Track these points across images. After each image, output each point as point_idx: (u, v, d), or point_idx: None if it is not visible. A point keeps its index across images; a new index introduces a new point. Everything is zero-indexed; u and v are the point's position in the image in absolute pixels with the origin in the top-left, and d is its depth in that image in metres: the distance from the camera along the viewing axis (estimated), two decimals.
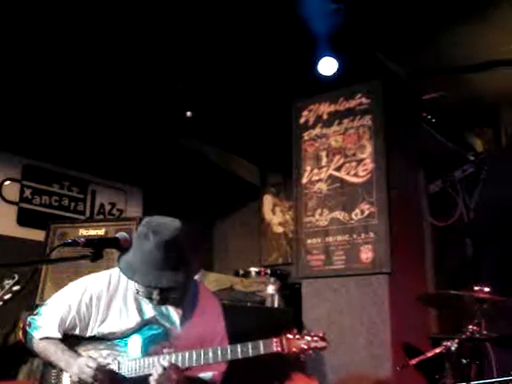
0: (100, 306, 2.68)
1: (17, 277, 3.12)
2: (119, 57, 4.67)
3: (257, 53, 4.67)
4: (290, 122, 5.33)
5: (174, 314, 2.72)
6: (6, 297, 3.13)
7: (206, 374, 2.69)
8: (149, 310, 2.70)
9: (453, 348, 3.23)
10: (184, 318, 2.72)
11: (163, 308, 2.71)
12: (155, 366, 2.48)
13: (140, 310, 2.69)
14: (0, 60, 4.54)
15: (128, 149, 5.95)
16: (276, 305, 4.85)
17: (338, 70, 4.72)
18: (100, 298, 2.69)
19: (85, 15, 4.15)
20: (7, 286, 3.14)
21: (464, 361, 3.31)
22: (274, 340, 2.44)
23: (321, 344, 2.45)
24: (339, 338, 4.53)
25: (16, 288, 3.13)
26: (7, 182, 5.54)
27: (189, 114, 5.62)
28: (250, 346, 2.44)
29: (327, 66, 4.72)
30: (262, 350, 2.45)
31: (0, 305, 3.08)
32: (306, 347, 2.43)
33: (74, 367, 2.57)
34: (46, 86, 4.96)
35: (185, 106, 5.58)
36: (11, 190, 5.58)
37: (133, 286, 2.71)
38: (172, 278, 2.52)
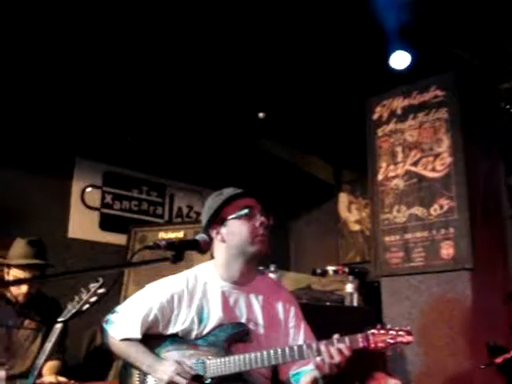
0: (182, 306, 2.71)
1: (101, 280, 3.25)
2: (193, 60, 4.75)
3: (328, 50, 4.65)
4: (364, 119, 5.27)
5: (256, 307, 2.74)
6: (92, 299, 3.26)
7: (307, 367, 2.64)
8: (231, 307, 2.71)
9: None
10: (265, 313, 2.73)
11: (244, 301, 2.73)
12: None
13: (222, 308, 2.69)
14: (84, 73, 4.74)
15: (203, 152, 6.05)
16: (355, 303, 4.80)
17: (410, 63, 4.64)
18: (181, 298, 2.72)
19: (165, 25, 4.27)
20: (93, 289, 3.27)
21: None
22: (360, 335, 2.39)
23: (407, 338, 2.37)
24: (420, 337, 4.44)
25: (101, 291, 3.26)
26: (89, 189, 5.73)
27: (261, 115, 5.65)
28: (335, 342, 2.42)
29: (399, 59, 4.64)
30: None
31: (87, 307, 3.22)
32: (392, 342, 2.36)
33: (159, 372, 2.58)
34: (123, 97, 5.12)
35: (258, 106, 5.62)
36: (93, 196, 5.77)
37: (214, 282, 2.75)
38: None
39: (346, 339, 2.40)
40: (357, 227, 6.50)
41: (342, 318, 4.39)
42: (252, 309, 2.73)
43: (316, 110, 5.55)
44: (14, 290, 3.76)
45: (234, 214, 2.68)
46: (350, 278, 4.94)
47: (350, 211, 6.60)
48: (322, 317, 3.96)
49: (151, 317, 2.69)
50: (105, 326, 2.77)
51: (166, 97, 5.22)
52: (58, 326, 3.40)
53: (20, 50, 4.40)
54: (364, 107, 5.28)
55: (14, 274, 3.78)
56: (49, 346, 3.35)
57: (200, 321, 2.69)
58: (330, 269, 5.43)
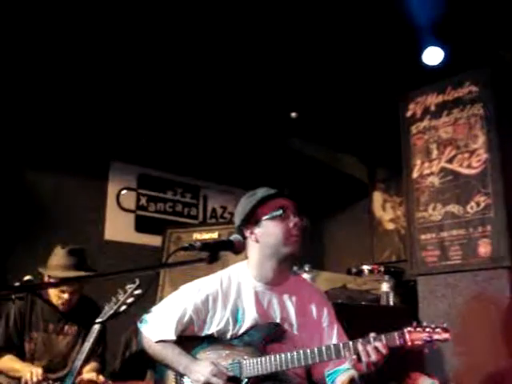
0: (216, 306, 2.72)
1: (138, 281, 3.29)
2: (225, 61, 4.77)
3: (360, 47, 4.62)
4: (397, 116, 5.22)
5: (289, 308, 2.74)
6: (129, 300, 3.31)
7: (342, 366, 2.64)
8: (265, 308, 2.72)
9: None
10: (298, 313, 2.73)
11: (277, 301, 2.73)
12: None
13: (256, 308, 2.70)
14: (115, 78, 4.80)
15: (236, 152, 6.07)
16: (391, 303, 4.76)
17: (443, 59, 4.59)
18: (215, 299, 2.73)
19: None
20: (129, 291, 3.32)
21: None
22: (396, 333, 2.38)
23: (443, 335, 2.35)
24: (458, 337, 4.36)
25: (138, 292, 3.30)
26: (124, 192, 5.80)
27: (293, 115, 5.65)
28: (371, 340, 2.41)
29: (433, 55, 4.59)
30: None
31: (124, 308, 3.26)
32: (428, 339, 2.34)
33: (195, 374, 2.59)
34: (156, 100, 5.17)
35: (290, 106, 5.62)
36: (128, 198, 5.84)
37: (248, 282, 2.76)
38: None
39: (383, 337, 2.40)
40: (392, 226, 6.45)
41: (377, 317, 4.35)
42: (286, 309, 2.73)
43: (348, 108, 5.52)
44: (55, 300, 3.76)
45: (268, 215, 2.68)
46: (386, 277, 4.90)
47: (385, 210, 6.55)
48: (358, 316, 3.94)
49: (186, 318, 2.71)
50: (140, 326, 2.80)
51: (198, 98, 5.26)
52: (96, 327, 3.45)
53: (54, 57, 4.49)
54: (397, 104, 5.23)
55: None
56: (87, 346, 3.40)
57: (235, 321, 2.70)
58: (366, 268, 5.39)
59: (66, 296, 3.75)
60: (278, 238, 2.66)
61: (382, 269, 5.31)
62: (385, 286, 4.79)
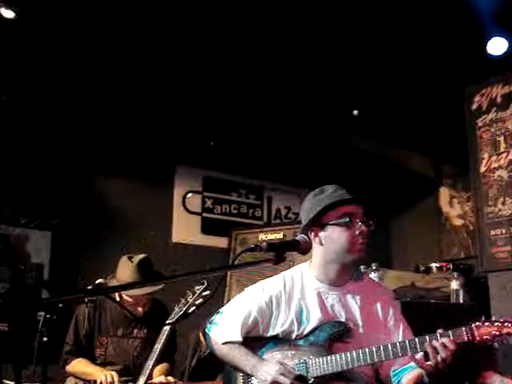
0: (280, 307, 2.73)
1: (206, 283, 3.35)
2: (286, 63, 4.79)
3: (423, 41, 4.56)
4: (462, 110, 5.12)
5: (354, 308, 2.72)
6: (198, 302, 3.37)
7: (409, 365, 2.60)
8: (329, 308, 2.71)
9: None
10: (363, 312, 2.70)
11: (341, 301, 2.72)
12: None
13: (320, 309, 2.69)
14: (178, 86, 4.90)
15: (299, 152, 6.08)
16: (461, 301, 4.66)
17: (508, 49, 4.47)
18: (279, 299, 2.74)
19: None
20: (198, 292, 3.38)
21: None
22: (464, 328, 2.32)
23: None
24: None
25: (206, 293, 3.36)
26: (189, 195, 5.91)
27: (355, 112, 5.61)
28: (438, 336, 2.36)
29: (496, 46, 4.49)
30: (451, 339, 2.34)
31: (193, 309, 3.32)
32: (497, 333, 2.27)
33: (263, 373, 2.60)
34: (218, 105, 5.25)
35: (353, 104, 5.59)
36: (194, 201, 5.94)
37: (311, 283, 2.77)
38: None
39: (450, 333, 2.35)
40: (459, 222, 6.33)
41: (447, 315, 4.28)
42: (350, 309, 2.71)
43: (413, 104, 5.45)
44: (133, 309, 3.78)
45: (334, 221, 2.64)
46: (455, 274, 4.79)
47: (452, 206, 6.43)
48: (427, 315, 3.89)
49: (251, 320, 2.73)
50: (208, 328, 2.84)
51: (260, 100, 5.30)
52: (166, 328, 3.52)
53: (122, 67, 4.63)
54: (462, 97, 5.12)
55: (126, 298, 3.77)
56: (158, 347, 3.47)
57: (300, 323, 2.70)
58: (434, 265, 5.31)
59: (140, 309, 3.81)
60: (343, 245, 2.62)
61: (451, 266, 5.22)
62: (454, 284, 4.69)
